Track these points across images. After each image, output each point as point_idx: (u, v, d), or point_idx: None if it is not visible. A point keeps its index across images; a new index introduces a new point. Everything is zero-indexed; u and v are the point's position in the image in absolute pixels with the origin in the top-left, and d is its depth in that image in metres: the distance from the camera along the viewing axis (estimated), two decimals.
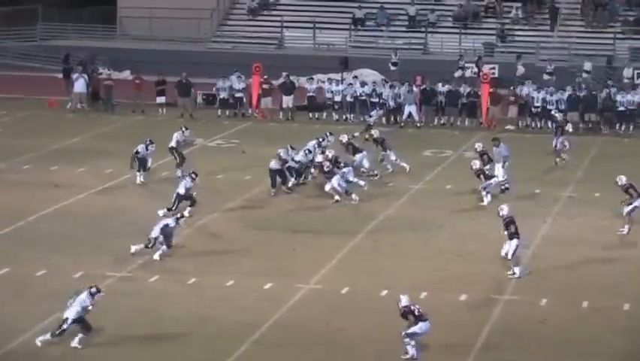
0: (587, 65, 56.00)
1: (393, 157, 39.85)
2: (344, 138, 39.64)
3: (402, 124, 49.00)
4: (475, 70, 56.52)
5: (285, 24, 65.28)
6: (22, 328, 25.16)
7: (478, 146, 38.58)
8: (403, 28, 64.88)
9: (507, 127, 48.91)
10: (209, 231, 32.84)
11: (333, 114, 50.39)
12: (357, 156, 38.82)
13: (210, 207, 33.97)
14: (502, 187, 37.48)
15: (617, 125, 48.63)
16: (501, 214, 29.87)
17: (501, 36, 63.10)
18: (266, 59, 53.95)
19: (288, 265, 30.07)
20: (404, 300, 24.26)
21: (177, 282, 28.64)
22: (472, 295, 27.36)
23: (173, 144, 38.42)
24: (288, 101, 50.56)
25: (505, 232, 29.55)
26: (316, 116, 50.59)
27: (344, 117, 50.21)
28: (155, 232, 29.88)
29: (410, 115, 49.10)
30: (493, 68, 56.70)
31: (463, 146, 45.19)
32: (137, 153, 37.16)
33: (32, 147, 42.46)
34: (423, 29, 64.27)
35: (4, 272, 28.88)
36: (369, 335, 25.49)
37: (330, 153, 37.26)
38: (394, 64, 58.00)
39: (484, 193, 35.94)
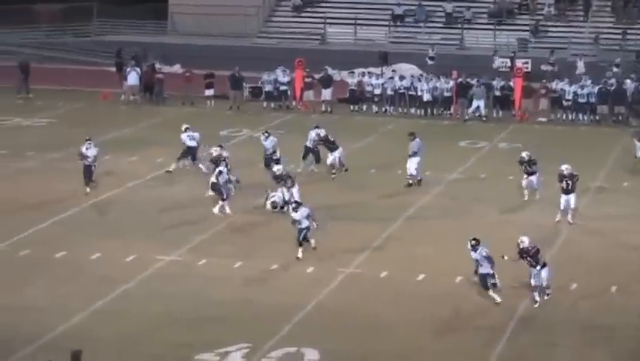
0: (617, 60, 55.67)
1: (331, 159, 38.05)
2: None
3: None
4: (510, 64, 56.34)
5: (327, 20, 65.29)
6: (75, 308, 25.31)
7: (526, 155, 35.33)
8: (440, 25, 64.80)
9: (539, 119, 48.73)
10: (253, 218, 32.86)
11: (373, 107, 50.32)
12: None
13: (256, 194, 33.94)
14: (410, 181, 36.67)
15: None
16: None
17: (534, 32, 62.86)
18: (309, 54, 53.95)
19: (329, 250, 30.07)
20: (526, 241, 26.47)
21: (224, 266, 28.70)
22: (504, 280, 27.23)
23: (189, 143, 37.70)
24: (326, 94, 50.52)
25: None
26: (356, 108, 50.52)
27: (383, 109, 50.12)
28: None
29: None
30: (527, 63, 56.44)
31: (497, 137, 45.04)
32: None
33: (87, 136, 42.56)
34: (459, 25, 64.16)
35: (60, 255, 29.07)
36: (405, 318, 25.46)
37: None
38: (431, 58, 57.92)
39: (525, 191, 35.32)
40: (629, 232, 32.13)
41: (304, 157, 38.46)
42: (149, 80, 51.79)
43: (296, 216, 29.42)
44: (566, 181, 32.10)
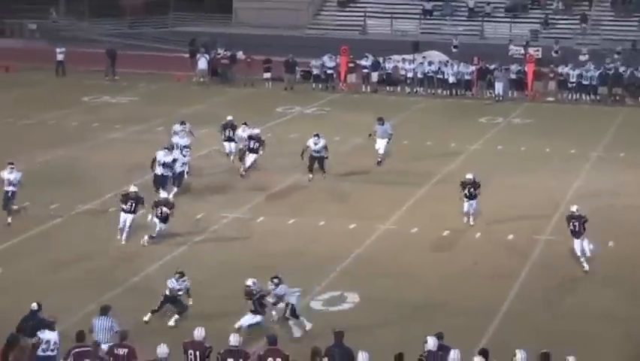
0: (619, 48, 55.19)
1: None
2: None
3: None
4: (523, 52, 55.94)
5: (367, 14, 65.04)
6: (156, 257, 25.45)
7: (472, 176, 28.95)
8: (464, 18, 64.40)
9: (547, 99, 48.37)
10: (303, 181, 32.80)
11: (406, 88, 50.08)
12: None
13: (305, 163, 33.82)
14: (378, 159, 34.84)
15: None
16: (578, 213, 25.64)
17: (544, 24, 62.34)
18: (351, 43, 53.69)
19: (368, 209, 30.04)
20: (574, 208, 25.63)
21: (279, 223, 28.73)
22: (518, 235, 27.13)
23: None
24: (374, 76, 50.35)
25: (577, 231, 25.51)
26: (392, 89, 50.31)
27: (415, 90, 49.87)
28: None
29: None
30: (537, 50, 55.96)
31: (512, 114, 44.75)
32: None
33: (163, 112, 42.77)
34: (480, 19, 63.71)
35: (140, 213, 28.99)
36: (432, 267, 25.44)
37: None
38: (455, 47, 57.54)
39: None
40: (623, 195, 31.89)
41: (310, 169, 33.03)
42: (214, 64, 51.87)
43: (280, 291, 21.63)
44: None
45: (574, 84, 48.27)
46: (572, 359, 17.07)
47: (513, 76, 49.00)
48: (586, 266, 25.15)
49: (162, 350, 17.36)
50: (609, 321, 22.24)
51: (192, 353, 17.91)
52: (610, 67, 48.74)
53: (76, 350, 17.68)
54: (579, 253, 25.35)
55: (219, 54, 52.61)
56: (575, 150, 37.73)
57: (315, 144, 32.40)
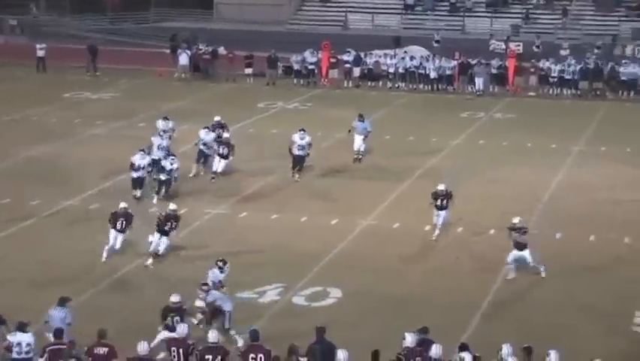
0: (599, 43, 55.37)
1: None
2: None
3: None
4: (504, 47, 56.03)
5: (349, 9, 65.01)
6: (139, 252, 25.40)
7: (444, 187, 27.58)
8: (445, 13, 64.42)
9: (529, 93, 48.47)
10: (287, 178, 32.71)
11: (388, 83, 50.10)
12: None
13: (289, 159, 33.75)
14: (357, 157, 34.39)
15: (620, 92, 47.98)
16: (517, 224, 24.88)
17: (525, 19, 62.46)
18: (333, 38, 53.67)
19: (350, 205, 30.06)
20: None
21: (262, 218, 28.72)
22: (499, 229, 27.18)
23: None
24: (356, 71, 50.35)
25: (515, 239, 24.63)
26: (373, 84, 50.32)
27: (396, 85, 49.90)
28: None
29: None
30: (519, 45, 56.08)
31: (493, 109, 44.83)
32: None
33: (145, 108, 42.69)
34: (461, 13, 63.78)
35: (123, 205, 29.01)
36: (414, 262, 25.47)
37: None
38: (437, 42, 57.58)
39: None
40: (604, 189, 32.01)
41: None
42: (195, 60, 51.78)
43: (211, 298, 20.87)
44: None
45: (555, 79, 48.37)
46: (554, 353, 17.14)
47: (494, 71, 49.06)
48: (543, 273, 24.45)
49: (142, 347, 17.32)
50: (591, 315, 22.33)
51: (175, 351, 17.90)
52: (590, 62, 48.88)
53: (51, 347, 17.63)
54: (531, 263, 24.43)
55: (201, 50, 52.51)
56: (556, 144, 37.84)
57: (302, 138, 32.25)
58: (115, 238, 25.30)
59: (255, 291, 23.29)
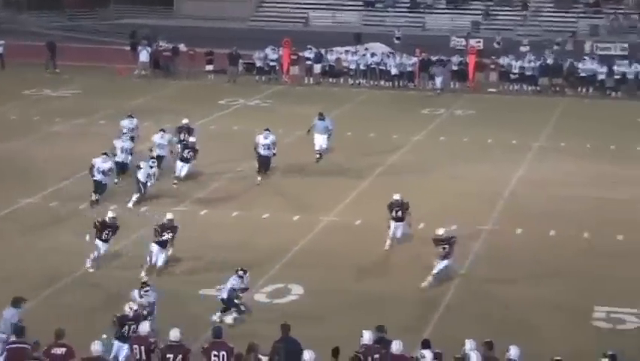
0: (558, 39, 55.74)
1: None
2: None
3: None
4: (465, 43, 56.28)
5: (310, 6, 65.03)
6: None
7: (399, 197, 26.33)
8: (405, 9, 64.68)
9: (489, 90, 48.68)
10: (248, 176, 32.59)
11: (349, 79, 50.14)
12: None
13: (249, 156, 33.72)
14: (318, 156, 33.85)
15: (579, 89, 48.29)
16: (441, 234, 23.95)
17: (485, 15, 62.76)
18: (294, 35, 53.69)
19: (312, 202, 30.06)
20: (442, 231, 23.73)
21: (222, 216, 28.64)
22: (461, 226, 27.28)
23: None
24: (317, 68, 50.32)
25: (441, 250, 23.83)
26: (334, 81, 50.32)
27: (357, 82, 49.94)
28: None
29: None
30: (479, 42, 56.35)
31: (453, 105, 44.97)
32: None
33: (106, 105, 42.46)
34: (422, 10, 63.99)
35: (83, 207, 28.92)
36: (376, 259, 25.50)
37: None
38: (398, 38, 57.79)
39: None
40: (565, 185, 32.22)
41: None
42: (155, 57, 51.57)
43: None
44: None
45: (516, 75, 48.61)
46: (514, 349, 17.23)
47: (455, 67, 49.21)
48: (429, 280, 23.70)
49: (95, 347, 17.19)
50: (551, 310, 22.47)
51: (137, 348, 17.84)
52: (550, 58, 49.17)
53: (11, 345, 17.50)
54: (438, 272, 23.62)
55: (161, 46, 52.30)
56: (516, 140, 38.03)
57: (266, 138, 31.85)
58: (100, 249, 24.39)
59: (216, 288, 23.22)
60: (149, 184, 29.46)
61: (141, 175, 29.25)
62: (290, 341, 18.00)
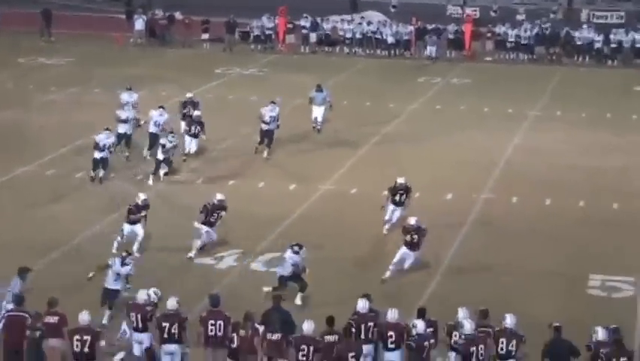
0: (555, 8, 55.58)
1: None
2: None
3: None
4: (461, 12, 56.12)
5: None
6: (94, 220, 25.27)
7: (403, 180, 25.31)
8: None
9: (485, 58, 48.60)
10: (243, 145, 32.53)
11: (345, 48, 50.01)
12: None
13: (245, 125, 33.67)
14: (316, 127, 33.67)
15: (576, 57, 48.23)
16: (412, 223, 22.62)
17: None
18: (290, 3, 53.32)
19: (308, 170, 30.07)
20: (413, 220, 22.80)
21: (218, 185, 28.61)
22: (457, 194, 27.31)
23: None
24: (313, 36, 50.17)
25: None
26: (330, 50, 50.19)
27: (353, 51, 49.82)
28: None
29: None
30: (475, 10, 56.20)
31: (449, 74, 44.90)
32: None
33: (100, 74, 42.35)
34: None
35: (80, 175, 28.93)
36: (372, 227, 25.50)
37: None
38: (394, 7, 57.58)
39: None
40: (560, 154, 32.24)
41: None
42: (154, 25, 51.39)
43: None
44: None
45: (512, 44, 48.52)
46: (510, 317, 17.30)
47: (451, 36, 49.11)
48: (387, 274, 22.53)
49: (83, 317, 17.19)
50: (548, 278, 22.56)
51: (134, 316, 17.92)
52: (546, 26, 49.09)
53: (10, 313, 17.55)
54: (398, 264, 22.43)
55: (157, 15, 52.11)
56: (512, 109, 38.01)
57: (272, 110, 31.37)
58: (130, 231, 23.49)
59: (211, 257, 23.28)
60: (170, 159, 28.98)
61: (160, 154, 28.63)
62: (281, 310, 18.07)
